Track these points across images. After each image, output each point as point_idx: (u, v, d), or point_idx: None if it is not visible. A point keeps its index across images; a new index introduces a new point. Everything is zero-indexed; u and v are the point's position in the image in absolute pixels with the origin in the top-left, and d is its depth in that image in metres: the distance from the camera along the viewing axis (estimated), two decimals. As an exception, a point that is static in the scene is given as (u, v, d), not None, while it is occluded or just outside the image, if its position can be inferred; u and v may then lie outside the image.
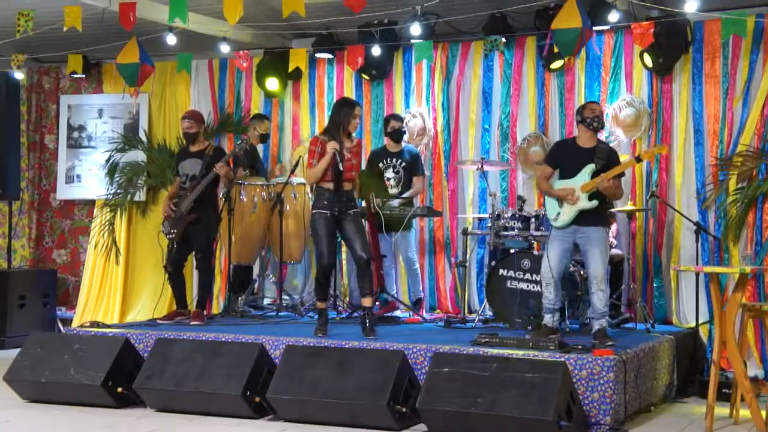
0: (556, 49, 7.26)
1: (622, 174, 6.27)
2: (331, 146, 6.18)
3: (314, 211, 6.32)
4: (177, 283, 7.26)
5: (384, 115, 8.53)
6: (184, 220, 7.03)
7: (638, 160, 6.31)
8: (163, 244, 7.32)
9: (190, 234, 7.08)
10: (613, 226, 7.38)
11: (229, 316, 7.47)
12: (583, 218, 6.03)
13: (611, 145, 7.47)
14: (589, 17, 6.90)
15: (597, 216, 6.06)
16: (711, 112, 7.42)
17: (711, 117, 7.42)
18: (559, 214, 6.09)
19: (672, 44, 7.35)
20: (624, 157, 6.62)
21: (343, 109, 6.36)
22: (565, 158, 6.19)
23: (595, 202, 6.01)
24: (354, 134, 6.50)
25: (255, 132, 8.23)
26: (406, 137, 8.06)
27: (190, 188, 7.06)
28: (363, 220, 6.82)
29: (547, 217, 6.35)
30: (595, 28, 7.23)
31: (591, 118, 6.10)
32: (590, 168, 6.03)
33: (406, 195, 7.63)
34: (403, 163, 7.72)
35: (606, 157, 6.07)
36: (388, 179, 7.71)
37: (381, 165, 7.76)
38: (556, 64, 7.85)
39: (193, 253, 7.20)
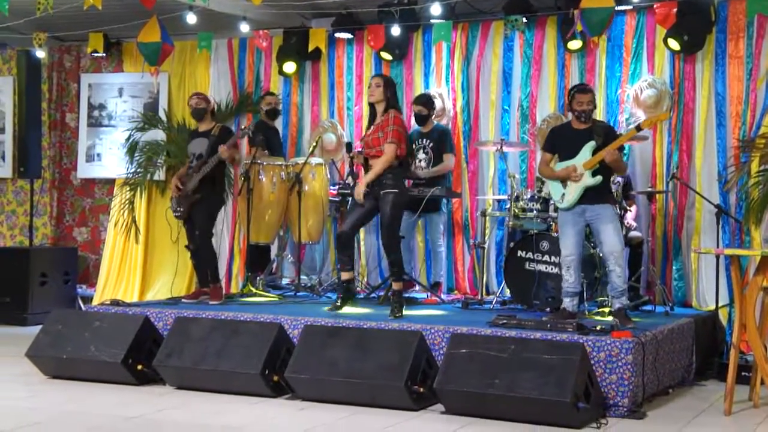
0: (579, 28, 7.18)
1: (622, 148, 6.20)
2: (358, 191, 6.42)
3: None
4: (199, 261, 7.30)
5: (403, 95, 8.52)
6: (189, 200, 7.09)
7: (638, 129, 6.24)
8: (173, 222, 7.40)
9: (193, 212, 7.13)
10: (633, 208, 7.34)
11: (244, 296, 7.51)
12: (589, 197, 6.01)
13: (631, 126, 7.44)
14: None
15: (603, 193, 6.04)
16: (734, 94, 7.34)
17: (734, 98, 7.34)
18: (564, 194, 6.07)
19: (697, 23, 7.26)
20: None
21: None
22: (562, 142, 6.17)
23: (599, 178, 5.98)
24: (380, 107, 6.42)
25: (261, 111, 8.28)
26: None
27: (197, 168, 7.10)
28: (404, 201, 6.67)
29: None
30: (617, 8, 7.16)
31: (579, 111, 6.06)
32: (591, 145, 6.00)
33: (431, 170, 7.57)
34: (431, 143, 7.69)
35: (604, 134, 6.04)
36: (420, 160, 7.69)
37: (414, 146, 7.76)
38: (575, 45, 7.78)
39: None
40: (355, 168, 7.57)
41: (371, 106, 6.47)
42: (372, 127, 6.40)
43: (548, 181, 6.31)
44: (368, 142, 6.38)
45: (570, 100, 6.15)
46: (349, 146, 6.59)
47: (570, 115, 6.26)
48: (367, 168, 6.45)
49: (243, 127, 7.62)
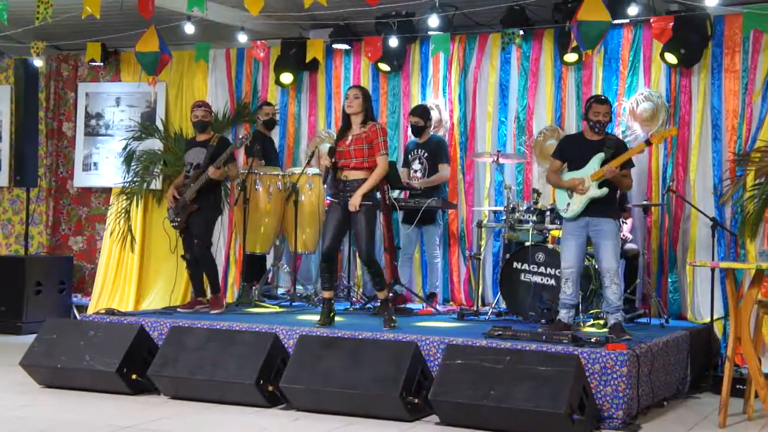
0: (574, 43, 7.21)
1: (632, 165, 6.24)
2: (324, 162, 6.35)
3: (327, 199, 6.33)
4: (195, 271, 7.29)
5: (400, 106, 8.55)
6: (187, 210, 7.08)
7: (648, 143, 6.26)
8: (170, 231, 7.39)
9: (191, 222, 7.12)
10: (629, 221, 7.35)
11: (243, 305, 7.50)
12: (593, 209, 6.01)
13: (627, 139, 7.46)
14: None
15: (607, 207, 6.05)
16: (730, 107, 7.37)
17: (729, 112, 7.37)
18: (569, 204, 6.08)
19: (693, 37, 7.29)
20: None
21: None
22: (573, 151, 6.18)
23: (605, 190, 5.98)
24: (358, 119, 6.33)
25: (258, 121, 8.29)
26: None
27: (194, 177, 7.10)
28: (378, 212, 6.69)
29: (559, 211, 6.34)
30: (614, 22, 7.19)
31: (594, 122, 6.08)
32: (599, 157, 6.02)
33: (427, 180, 7.59)
34: (426, 153, 7.70)
35: (614, 147, 6.06)
36: (415, 171, 7.70)
37: (410, 157, 7.78)
38: (571, 58, 7.80)
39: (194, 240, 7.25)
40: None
41: (346, 116, 6.37)
42: (350, 138, 6.28)
43: (555, 189, 6.30)
44: (348, 152, 6.25)
45: (587, 109, 6.16)
46: (332, 151, 6.36)
47: (584, 125, 6.26)
48: (336, 177, 6.32)
49: (240, 136, 7.61)
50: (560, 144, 6.40)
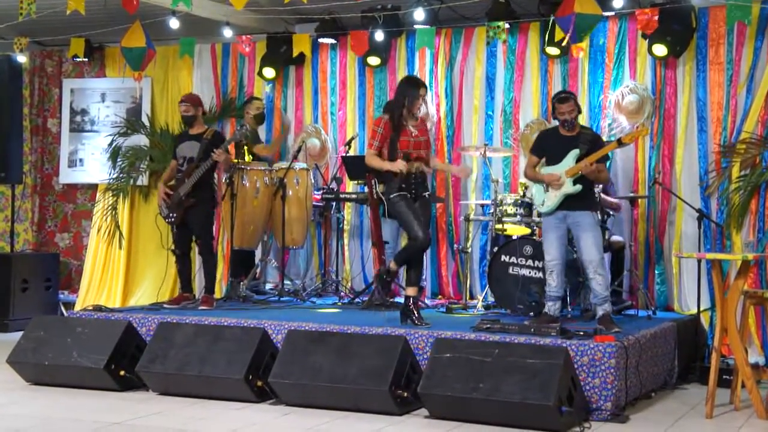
0: (560, 35, 7.21)
1: (607, 158, 6.29)
2: (400, 166, 6.06)
3: (393, 195, 6.12)
4: (184, 266, 7.27)
5: (387, 100, 8.52)
6: (183, 205, 7.05)
7: (620, 143, 6.27)
8: (162, 227, 7.34)
9: (189, 218, 7.09)
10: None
11: (231, 301, 7.49)
12: (570, 203, 6.06)
13: (614, 132, 7.49)
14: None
15: (585, 200, 6.09)
16: (715, 99, 7.40)
17: (715, 104, 7.40)
18: (544, 200, 6.13)
19: (679, 29, 7.31)
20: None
21: (410, 91, 6.20)
22: (549, 146, 6.23)
23: (579, 187, 6.03)
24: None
25: (248, 115, 8.27)
26: None
27: (188, 172, 7.06)
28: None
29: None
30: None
31: (561, 121, 6.14)
32: (574, 153, 6.07)
33: None
34: None
35: (589, 142, 6.10)
36: None
37: None
38: (553, 51, 7.80)
39: (194, 238, 7.22)
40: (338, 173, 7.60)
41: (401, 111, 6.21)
42: (412, 128, 6.20)
43: (532, 184, 6.36)
44: (420, 143, 6.22)
45: (552, 109, 6.24)
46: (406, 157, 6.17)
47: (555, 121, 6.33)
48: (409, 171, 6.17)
49: (239, 127, 7.58)
50: (537, 140, 6.46)
